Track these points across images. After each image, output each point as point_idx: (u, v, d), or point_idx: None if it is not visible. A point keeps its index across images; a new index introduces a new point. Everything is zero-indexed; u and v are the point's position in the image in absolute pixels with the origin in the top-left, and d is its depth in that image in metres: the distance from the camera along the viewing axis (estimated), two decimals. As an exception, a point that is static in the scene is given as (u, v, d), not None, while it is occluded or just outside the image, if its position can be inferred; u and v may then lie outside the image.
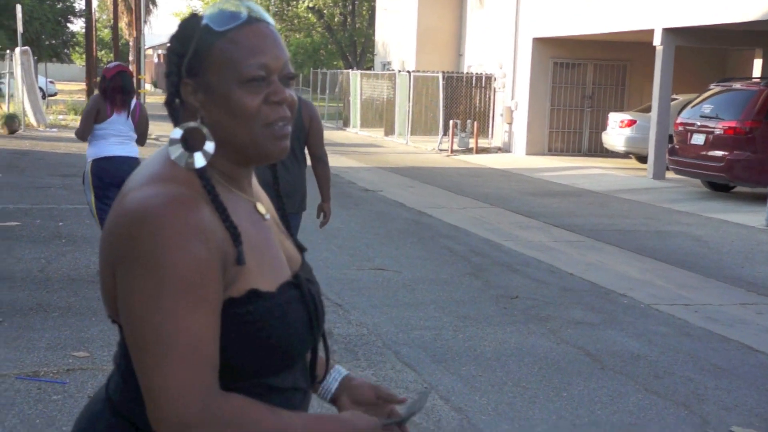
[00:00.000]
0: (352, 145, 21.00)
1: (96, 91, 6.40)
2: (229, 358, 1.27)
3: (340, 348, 4.97)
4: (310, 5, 38.00)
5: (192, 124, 1.31)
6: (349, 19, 39.42)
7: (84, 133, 6.11)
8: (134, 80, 5.98)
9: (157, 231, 1.21)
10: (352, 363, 4.72)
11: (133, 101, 6.24)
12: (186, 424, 1.20)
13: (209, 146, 1.30)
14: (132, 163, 6.16)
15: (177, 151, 1.30)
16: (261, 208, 1.39)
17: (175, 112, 1.33)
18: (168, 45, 1.36)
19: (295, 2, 39.35)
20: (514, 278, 7.02)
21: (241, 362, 1.28)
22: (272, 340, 1.28)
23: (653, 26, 14.52)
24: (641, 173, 15.35)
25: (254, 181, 1.44)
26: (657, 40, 14.49)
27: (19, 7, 22.06)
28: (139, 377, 1.23)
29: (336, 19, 39.49)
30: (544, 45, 18.84)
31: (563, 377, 4.67)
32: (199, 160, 1.29)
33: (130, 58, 37.46)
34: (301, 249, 1.49)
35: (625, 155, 17.37)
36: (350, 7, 39.38)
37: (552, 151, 19.31)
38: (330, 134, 24.51)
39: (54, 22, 31.55)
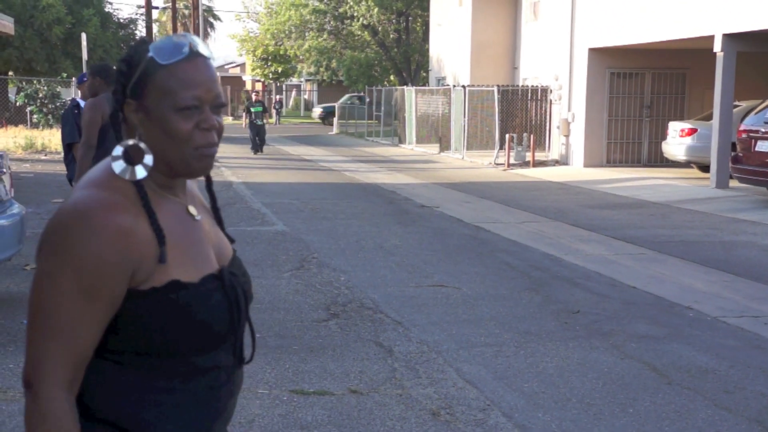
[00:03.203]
0: (408, 161, 21.03)
1: None
2: (157, 338, 1.44)
3: (400, 366, 4.97)
4: (365, 23, 38.31)
5: (131, 141, 1.47)
6: (403, 36, 39.59)
7: None
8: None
9: (78, 228, 1.38)
10: (414, 381, 4.71)
11: None
12: (27, 384, 1.40)
13: (148, 159, 1.47)
14: None
15: (120, 165, 1.46)
16: (192, 210, 1.56)
17: (118, 126, 1.51)
18: (117, 66, 1.52)
19: (349, 21, 39.71)
20: (575, 292, 6.93)
21: (167, 342, 1.45)
22: (195, 323, 1.45)
23: (713, 32, 14.24)
24: (704, 183, 15.03)
25: (189, 183, 1.62)
26: (717, 47, 14.20)
27: (84, 36, 22.71)
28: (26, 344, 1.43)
29: (390, 36, 39.68)
30: (600, 55, 18.64)
31: (629, 393, 4.58)
32: (141, 172, 1.46)
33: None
34: (231, 240, 1.67)
35: (686, 165, 17.03)
36: (404, 23, 39.56)
37: (610, 163, 19.05)
38: (385, 151, 24.60)
39: (117, 48, 32.42)
